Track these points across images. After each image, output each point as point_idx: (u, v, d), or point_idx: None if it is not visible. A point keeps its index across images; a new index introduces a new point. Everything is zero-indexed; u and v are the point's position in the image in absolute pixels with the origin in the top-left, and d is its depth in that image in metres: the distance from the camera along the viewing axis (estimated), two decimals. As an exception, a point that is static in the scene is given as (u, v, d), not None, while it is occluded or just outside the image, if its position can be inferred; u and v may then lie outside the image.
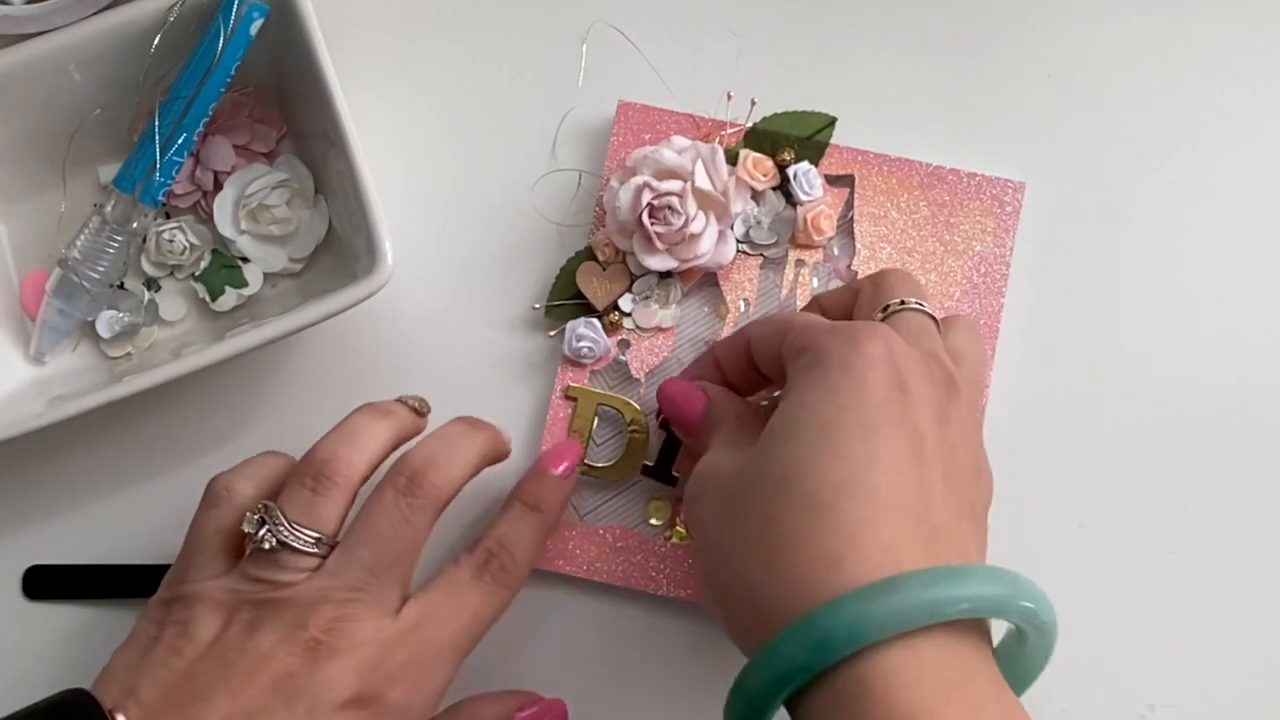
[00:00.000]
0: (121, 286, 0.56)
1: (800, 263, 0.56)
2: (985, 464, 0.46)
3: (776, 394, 0.50)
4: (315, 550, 0.46)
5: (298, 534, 0.46)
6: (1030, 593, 0.41)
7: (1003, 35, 0.59)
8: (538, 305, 0.56)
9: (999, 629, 0.43)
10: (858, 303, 0.50)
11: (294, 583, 0.46)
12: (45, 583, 0.55)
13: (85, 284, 0.54)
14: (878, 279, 0.50)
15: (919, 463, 0.42)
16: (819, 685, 0.39)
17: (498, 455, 0.52)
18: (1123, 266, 0.57)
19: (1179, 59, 0.59)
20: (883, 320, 0.47)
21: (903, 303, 0.48)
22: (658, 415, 0.54)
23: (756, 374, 0.50)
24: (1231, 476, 0.56)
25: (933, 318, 0.48)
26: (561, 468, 0.52)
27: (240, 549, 0.48)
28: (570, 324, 0.56)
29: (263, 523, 0.46)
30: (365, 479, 0.49)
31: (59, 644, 0.55)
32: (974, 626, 0.41)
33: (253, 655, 0.44)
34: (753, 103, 0.56)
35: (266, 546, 0.46)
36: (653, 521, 0.55)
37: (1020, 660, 0.43)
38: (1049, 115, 0.58)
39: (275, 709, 0.44)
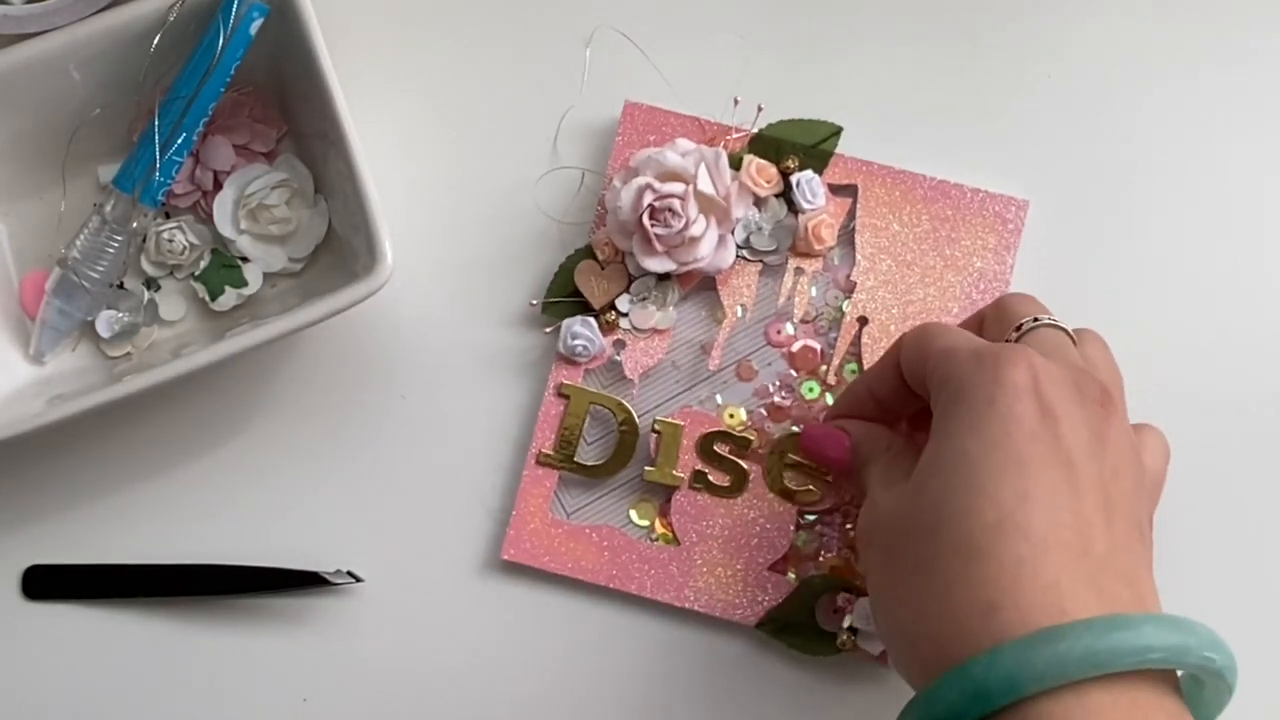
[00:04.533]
0: (121, 286, 0.56)
1: (799, 271, 0.56)
2: (1144, 471, 0.44)
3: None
4: None
5: None
6: (1207, 641, 0.38)
7: (1014, 51, 0.58)
8: (535, 302, 0.56)
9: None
10: (984, 328, 0.48)
11: None
12: (45, 583, 0.55)
13: (85, 284, 0.54)
14: (1000, 303, 0.48)
15: (1075, 493, 0.40)
16: None
17: None
18: (1123, 289, 0.57)
19: (1193, 86, 0.58)
20: (1017, 340, 0.46)
21: (1035, 319, 0.46)
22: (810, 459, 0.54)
23: (911, 393, 0.47)
24: (1230, 483, 0.56)
25: (1067, 332, 0.46)
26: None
27: None
28: (566, 322, 0.56)
29: None
30: None
31: (59, 644, 0.55)
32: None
33: None
34: (759, 108, 0.56)
35: None
36: (638, 522, 0.55)
37: (1198, 704, 0.41)
38: (1057, 134, 0.58)
39: None
